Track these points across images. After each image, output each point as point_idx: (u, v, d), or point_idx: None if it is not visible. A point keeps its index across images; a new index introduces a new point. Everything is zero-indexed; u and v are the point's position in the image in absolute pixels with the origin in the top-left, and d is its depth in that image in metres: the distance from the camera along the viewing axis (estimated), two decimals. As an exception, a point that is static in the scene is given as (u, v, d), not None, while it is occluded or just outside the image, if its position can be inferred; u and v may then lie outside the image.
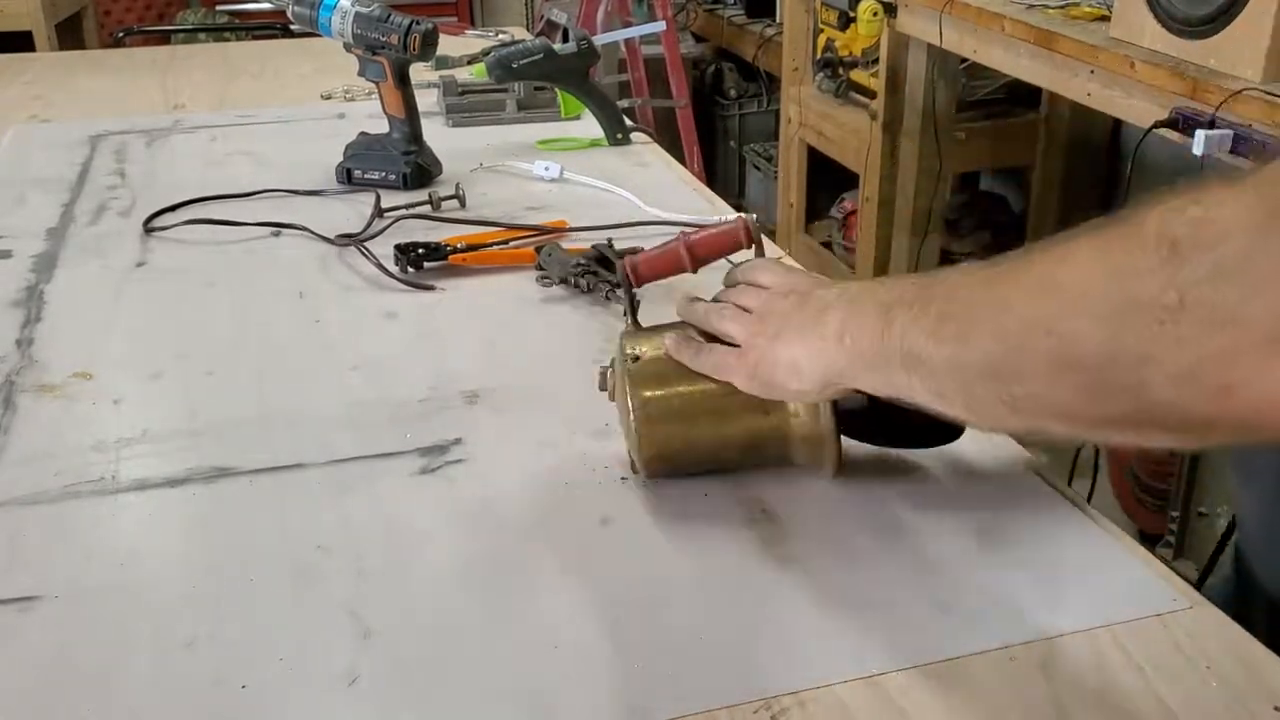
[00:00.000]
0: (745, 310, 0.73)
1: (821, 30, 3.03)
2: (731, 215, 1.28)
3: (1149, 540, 2.11)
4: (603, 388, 0.79)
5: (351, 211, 1.31)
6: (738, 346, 0.72)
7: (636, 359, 0.76)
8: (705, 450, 0.76)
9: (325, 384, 0.95)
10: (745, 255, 0.84)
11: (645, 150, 1.54)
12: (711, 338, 0.75)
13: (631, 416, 0.75)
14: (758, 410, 0.74)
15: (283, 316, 1.07)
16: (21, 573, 0.72)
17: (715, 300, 0.77)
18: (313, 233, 1.24)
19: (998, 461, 0.81)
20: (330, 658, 0.64)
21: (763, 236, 0.88)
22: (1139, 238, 0.47)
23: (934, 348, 0.57)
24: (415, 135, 1.40)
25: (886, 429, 0.77)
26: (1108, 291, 0.48)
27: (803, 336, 0.67)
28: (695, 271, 0.85)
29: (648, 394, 0.75)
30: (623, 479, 0.80)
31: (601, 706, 0.60)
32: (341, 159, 1.41)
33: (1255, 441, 0.48)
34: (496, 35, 2.22)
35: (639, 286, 0.83)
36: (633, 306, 0.82)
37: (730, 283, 0.78)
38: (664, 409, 0.75)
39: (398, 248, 1.15)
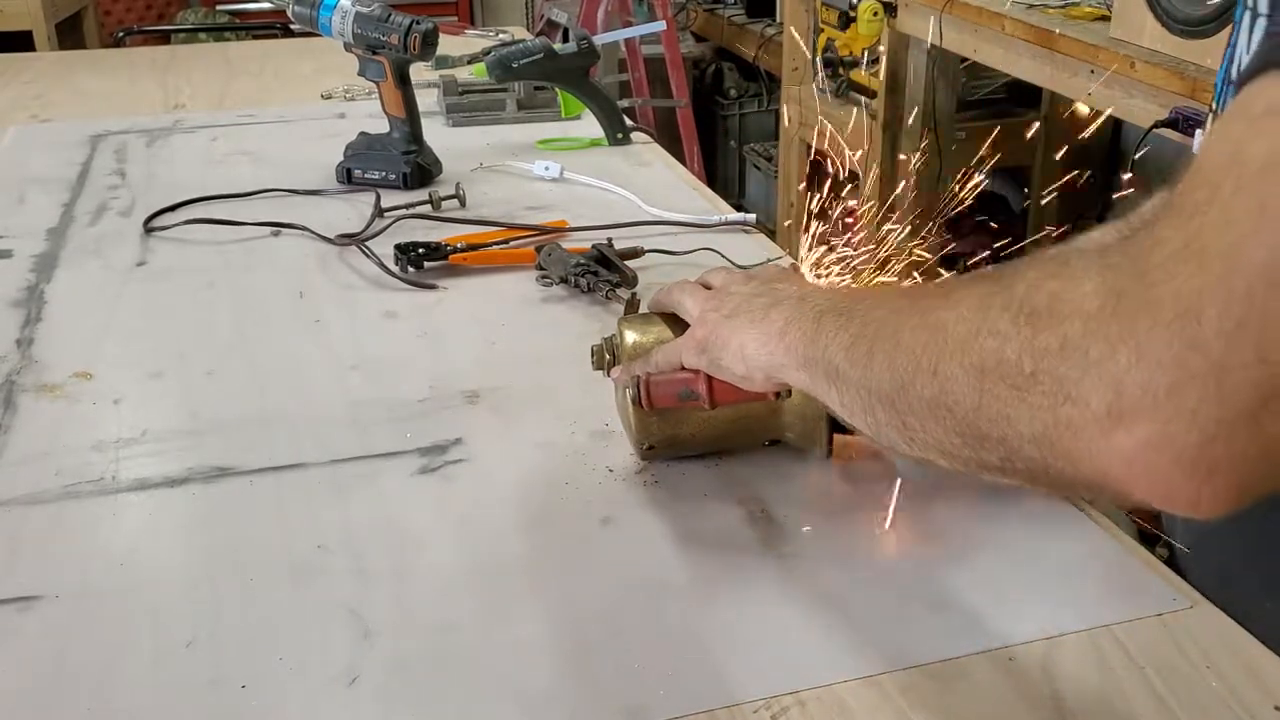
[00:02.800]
0: (706, 287, 0.76)
1: (821, 30, 3.03)
2: (734, 215, 1.28)
3: (1149, 540, 2.11)
4: (597, 367, 0.80)
5: (351, 211, 1.31)
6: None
7: (633, 342, 0.78)
8: (700, 429, 0.78)
9: (325, 384, 0.95)
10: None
11: (645, 150, 1.54)
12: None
13: (627, 397, 0.76)
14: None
15: (283, 316, 1.07)
16: (21, 573, 0.72)
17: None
18: (313, 232, 1.24)
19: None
20: (330, 657, 0.64)
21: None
22: (1009, 298, 0.48)
23: (847, 366, 0.59)
24: (415, 135, 1.40)
25: None
26: (979, 346, 0.49)
27: (753, 324, 0.69)
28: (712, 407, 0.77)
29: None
30: (622, 479, 0.80)
31: (601, 706, 0.60)
32: (341, 159, 1.41)
33: (1117, 500, 0.50)
34: (497, 35, 2.22)
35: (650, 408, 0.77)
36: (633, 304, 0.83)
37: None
38: None
39: (398, 247, 1.15)
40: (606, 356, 0.80)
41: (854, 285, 0.78)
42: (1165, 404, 0.42)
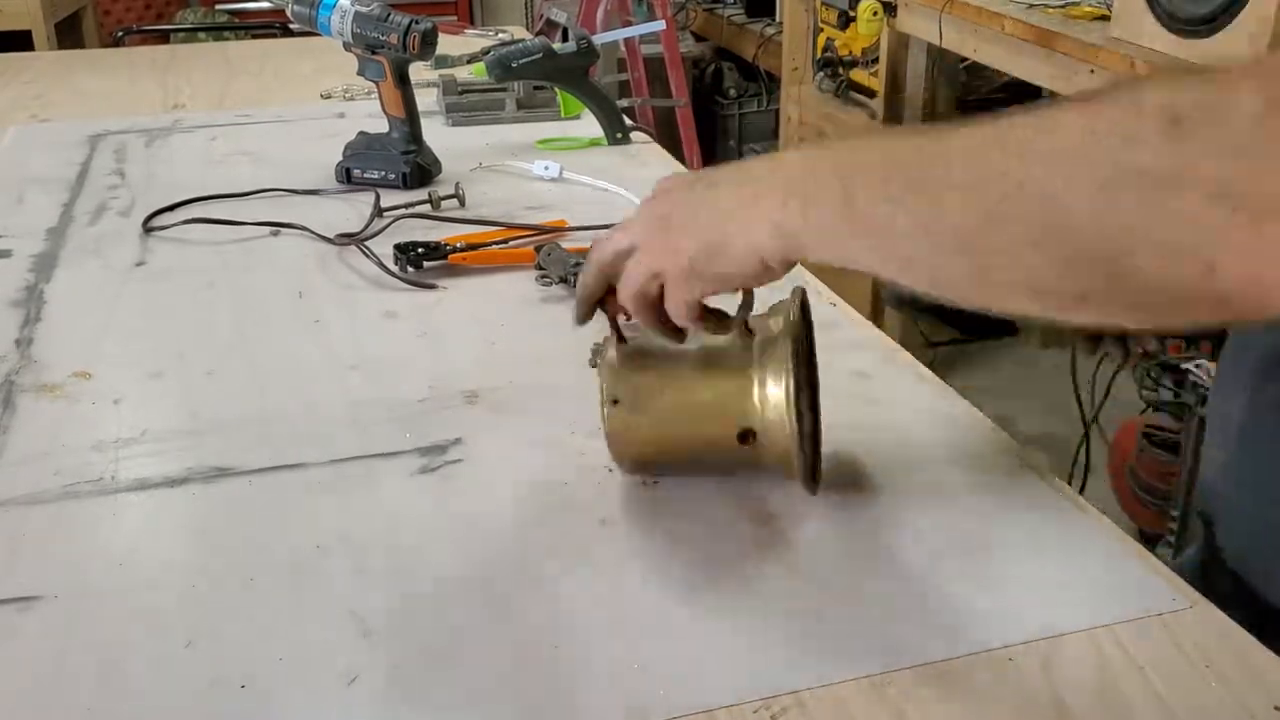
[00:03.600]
0: (620, 226, 0.71)
1: (821, 29, 3.03)
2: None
3: (1149, 540, 2.11)
4: (594, 364, 0.78)
5: (351, 211, 1.31)
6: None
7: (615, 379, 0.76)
8: (678, 458, 0.77)
9: (325, 384, 0.95)
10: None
11: (645, 150, 1.54)
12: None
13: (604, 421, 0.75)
14: (727, 422, 0.73)
15: (282, 316, 1.07)
16: (21, 573, 0.71)
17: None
18: (312, 232, 1.24)
19: (997, 461, 0.81)
20: (330, 657, 0.64)
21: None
22: (1136, 109, 0.46)
23: (903, 217, 0.55)
24: (415, 135, 1.40)
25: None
26: (1104, 158, 0.47)
27: (747, 209, 0.63)
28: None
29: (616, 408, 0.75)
30: (622, 479, 0.80)
31: (601, 706, 0.60)
32: (341, 158, 1.41)
33: (1228, 322, 0.49)
34: (496, 34, 2.22)
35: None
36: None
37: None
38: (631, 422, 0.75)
39: (397, 247, 1.15)
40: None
41: (841, 143, 0.70)
42: None
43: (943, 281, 0.55)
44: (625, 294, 0.70)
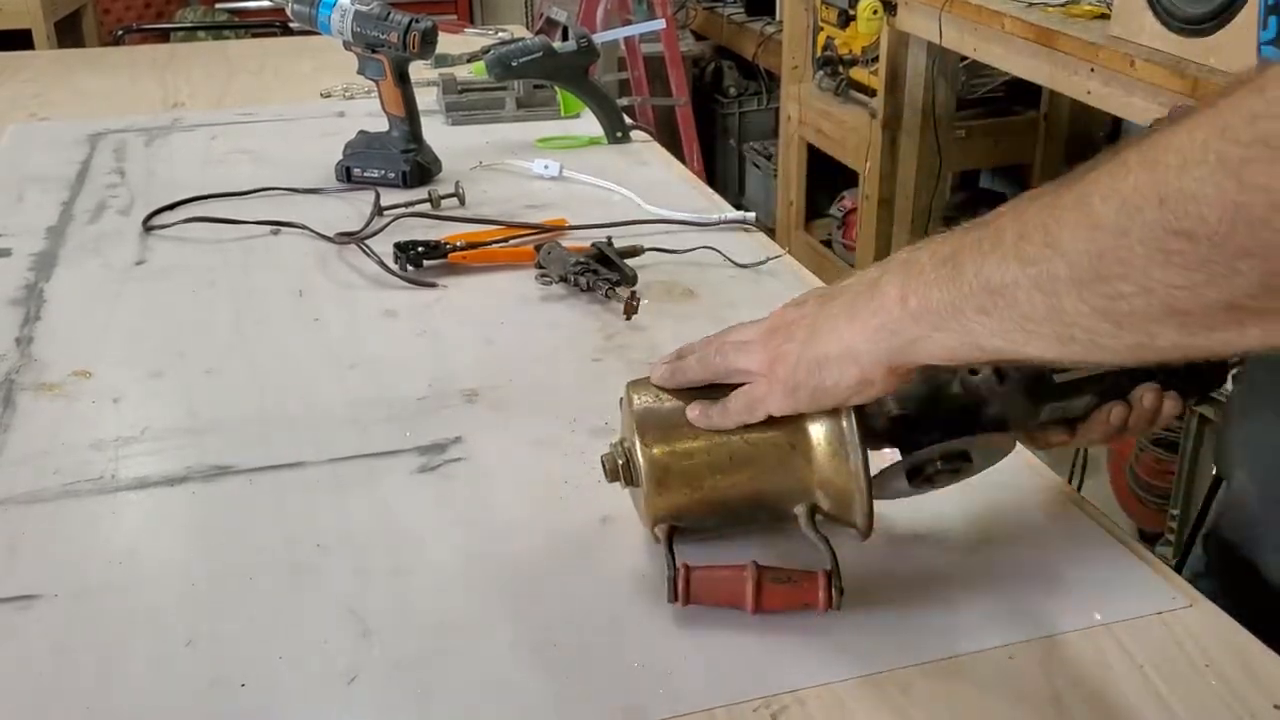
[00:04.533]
0: (747, 341, 0.66)
1: (821, 28, 3.03)
2: (734, 213, 1.28)
3: (1149, 540, 2.11)
4: (612, 479, 0.71)
5: (351, 210, 1.31)
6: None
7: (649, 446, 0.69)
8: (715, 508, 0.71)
9: (325, 383, 0.95)
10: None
11: (645, 148, 1.54)
12: (711, 395, 0.68)
13: (643, 506, 0.70)
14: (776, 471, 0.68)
15: (282, 315, 1.07)
16: (21, 572, 0.71)
17: (687, 353, 0.70)
18: (312, 231, 1.24)
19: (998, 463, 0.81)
20: (329, 657, 0.64)
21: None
22: (1256, 90, 0.43)
23: (1018, 270, 0.51)
24: (415, 133, 1.40)
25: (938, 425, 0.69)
26: (1228, 139, 0.43)
27: (851, 318, 0.60)
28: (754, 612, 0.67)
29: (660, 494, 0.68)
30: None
31: (601, 706, 0.60)
32: (341, 157, 1.41)
33: None
34: (496, 33, 2.22)
35: (686, 605, 0.67)
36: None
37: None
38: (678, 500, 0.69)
39: (397, 246, 1.15)
40: (619, 461, 0.70)
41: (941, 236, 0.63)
42: None
43: (1072, 334, 0.51)
44: (710, 369, 0.68)
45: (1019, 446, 0.79)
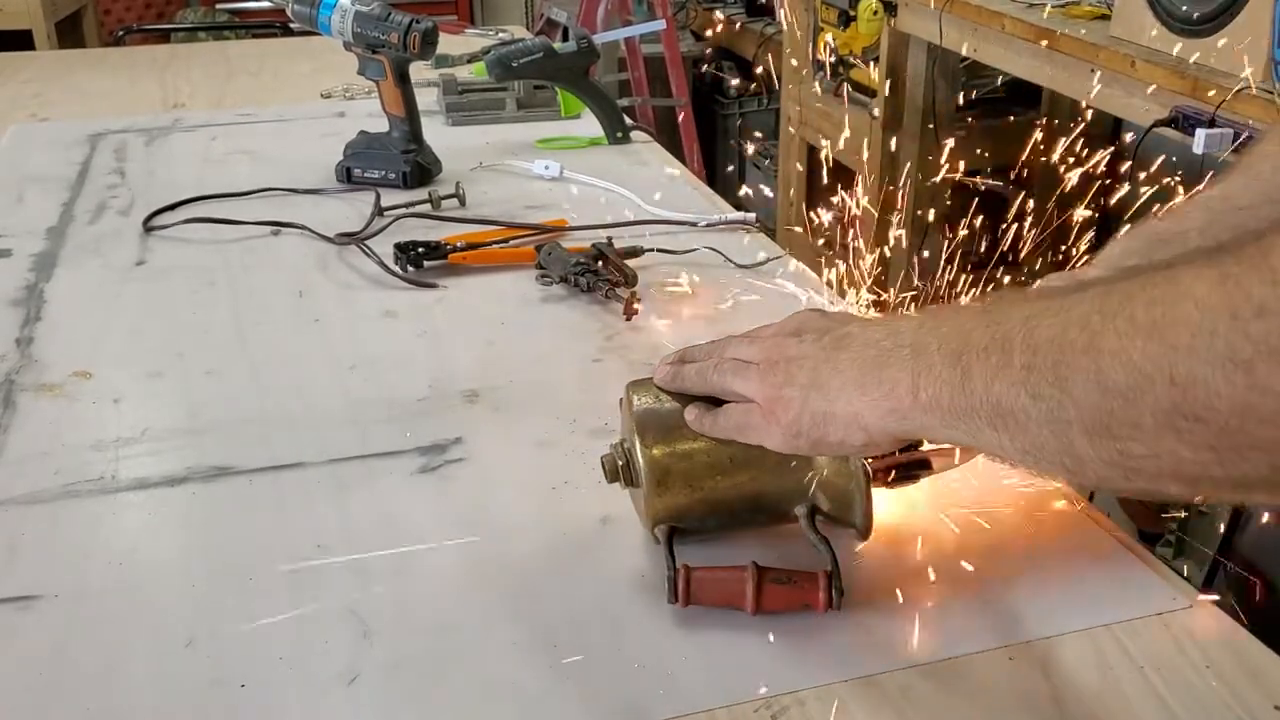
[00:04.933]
0: (745, 363, 0.66)
1: (821, 29, 3.03)
2: (734, 214, 1.28)
3: (1149, 540, 2.11)
4: (612, 479, 0.72)
5: (351, 210, 1.31)
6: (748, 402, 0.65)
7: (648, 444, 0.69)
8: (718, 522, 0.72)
9: (325, 383, 0.95)
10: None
11: (645, 149, 1.54)
12: (711, 400, 0.68)
13: (643, 504, 0.70)
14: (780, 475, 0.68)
15: (282, 316, 1.07)
16: (21, 572, 0.71)
17: (689, 360, 0.70)
18: (312, 232, 1.24)
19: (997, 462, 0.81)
20: (330, 657, 0.64)
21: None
22: (1268, 273, 0.42)
23: (1028, 402, 0.51)
24: (415, 134, 1.40)
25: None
26: (1235, 332, 0.42)
27: (860, 389, 0.59)
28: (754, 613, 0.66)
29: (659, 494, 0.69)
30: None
31: (601, 706, 0.60)
32: (341, 158, 1.41)
33: None
34: (496, 34, 2.22)
35: (686, 605, 0.67)
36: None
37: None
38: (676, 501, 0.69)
39: (397, 246, 1.15)
40: (619, 462, 0.71)
41: (934, 309, 0.64)
42: None
43: (1081, 470, 0.50)
44: (708, 385, 0.68)
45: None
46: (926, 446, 0.70)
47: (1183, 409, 0.44)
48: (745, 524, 0.72)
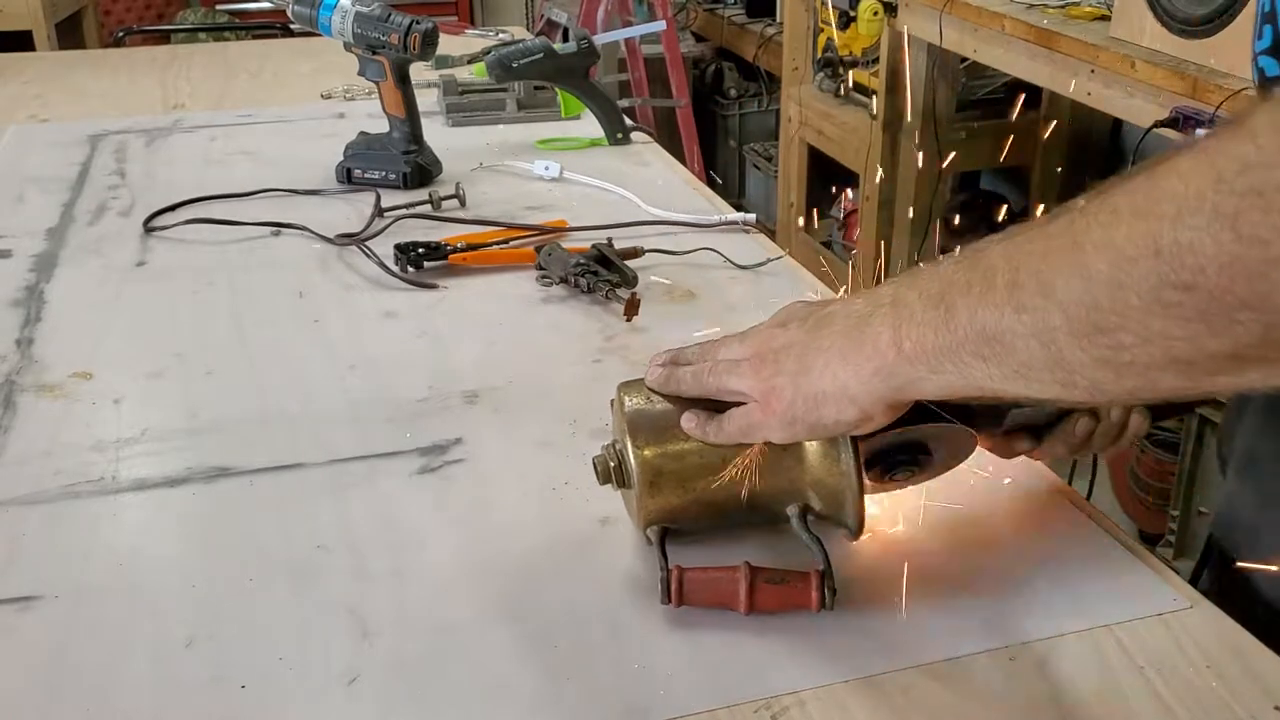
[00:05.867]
0: (737, 361, 0.66)
1: (821, 30, 3.03)
2: (734, 214, 1.28)
3: (1149, 540, 2.11)
4: (603, 480, 0.71)
5: (351, 211, 1.31)
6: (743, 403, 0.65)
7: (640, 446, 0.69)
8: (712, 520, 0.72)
9: (325, 384, 0.95)
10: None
11: (645, 150, 1.54)
12: (703, 402, 0.67)
13: (636, 505, 0.70)
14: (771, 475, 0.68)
15: (282, 316, 1.07)
16: (21, 573, 0.71)
17: (681, 362, 0.69)
18: (312, 232, 1.24)
19: (997, 461, 0.81)
20: (330, 657, 0.64)
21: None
22: (1247, 135, 0.42)
23: (1013, 318, 0.51)
24: (415, 135, 1.40)
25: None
26: (1222, 190, 0.42)
27: (844, 359, 0.59)
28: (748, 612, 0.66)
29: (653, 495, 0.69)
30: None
31: (601, 706, 0.60)
32: (341, 158, 1.41)
33: None
34: (496, 35, 2.22)
35: (679, 606, 0.67)
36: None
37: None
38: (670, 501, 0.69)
39: (398, 247, 1.15)
40: (611, 464, 0.70)
41: (913, 269, 0.63)
42: None
43: (1071, 380, 0.50)
44: (703, 387, 0.67)
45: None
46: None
47: (1170, 279, 0.44)
48: (738, 524, 0.72)
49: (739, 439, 0.66)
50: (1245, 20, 1.63)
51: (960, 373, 0.55)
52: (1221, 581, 0.81)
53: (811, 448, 0.67)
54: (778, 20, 3.53)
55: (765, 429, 0.64)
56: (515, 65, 1.47)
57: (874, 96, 2.78)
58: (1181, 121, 1.69)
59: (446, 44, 1.94)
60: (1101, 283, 0.47)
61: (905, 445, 0.67)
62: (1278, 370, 0.46)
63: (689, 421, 0.67)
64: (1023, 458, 0.77)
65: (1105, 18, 1.98)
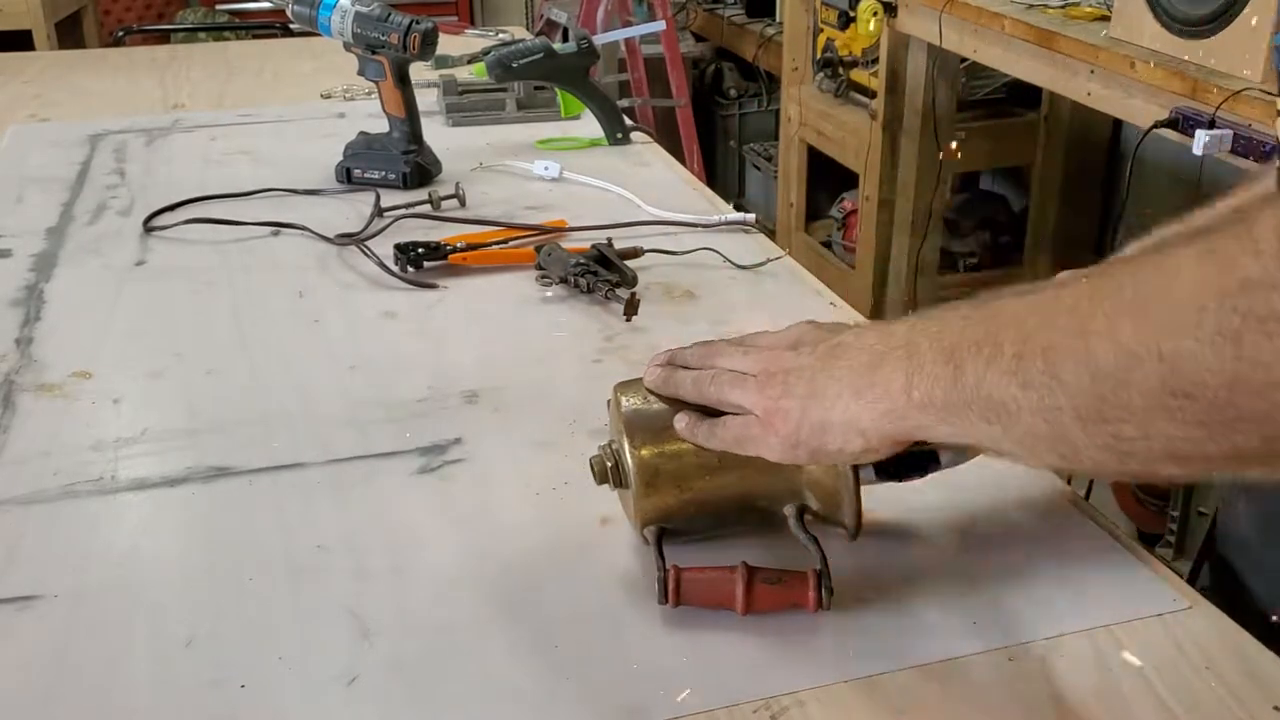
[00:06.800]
0: (742, 375, 0.65)
1: (821, 30, 3.03)
2: (734, 214, 1.28)
3: (1149, 540, 2.11)
4: (600, 480, 0.72)
5: (351, 211, 1.31)
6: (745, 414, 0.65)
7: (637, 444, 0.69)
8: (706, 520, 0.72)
9: (325, 384, 0.95)
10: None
11: (645, 150, 1.54)
12: (703, 408, 0.67)
13: (632, 505, 0.70)
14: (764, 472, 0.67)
15: (282, 316, 1.07)
16: (21, 572, 0.71)
17: (685, 366, 0.69)
18: (312, 232, 1.24)
19: (996, 461, 0.81)
20: (329, 657, 0.64)
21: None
22: (1251, 245, 0.42)
23: (1019, 393, 0.51)
24: (415, 135, 1.40)
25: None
26: (1223, 306, 0.43)
27: (857, 393, 0.60)
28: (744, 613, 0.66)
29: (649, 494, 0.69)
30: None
31: (601, 706, 0.60)
32: (341, 158, 1.41)
33: None
34: (496, 34, 2.22)
35: (677, 606, 0.67)
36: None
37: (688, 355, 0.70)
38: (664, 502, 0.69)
39: (397, 247, 1.15)
40: (608, 464, 0.71)
41: (927, 311, 0.63)
42: None
43: (1075, 457, 0.51)
44: (703, 396, 0.67)
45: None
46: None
47: (1172, 386, 0.45)
48: (735, 524, 0.72)
49: (731, 448, 0.66)
50: (1245, 20, 1.63)
51: (967, 430, 0.56)
52: (1222, 581, 0.81)
53: None
54: (777, 20, 3.53)
55: (763, 445, 0.64)
56: (515, 65, 1.47)
57: (874, 97, 2.78)
58: (1181, 122, 1.69)
59: (446, 44, 1.94)
60: (1105, 376, 0.47)
61: (917, 456, 0.67)
62: (1276, 468, 0.47)
63: (681, 422, 0.67)
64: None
65: (1105, 18, 1.98)
